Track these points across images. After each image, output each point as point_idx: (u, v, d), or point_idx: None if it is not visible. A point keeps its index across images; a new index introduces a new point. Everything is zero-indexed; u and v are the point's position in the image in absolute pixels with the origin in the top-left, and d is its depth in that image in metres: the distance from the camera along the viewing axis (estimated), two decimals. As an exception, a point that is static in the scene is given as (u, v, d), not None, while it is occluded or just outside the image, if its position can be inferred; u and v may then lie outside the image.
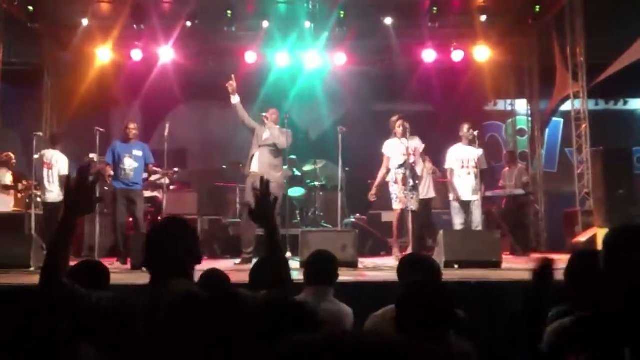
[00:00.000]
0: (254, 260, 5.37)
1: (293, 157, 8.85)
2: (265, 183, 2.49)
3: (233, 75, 7.59)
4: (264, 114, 7.72)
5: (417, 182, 7.76)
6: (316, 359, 0.98)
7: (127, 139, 8.03)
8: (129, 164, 7.87)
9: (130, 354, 2.03)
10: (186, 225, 2.40)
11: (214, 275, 3.27)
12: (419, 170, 7.91)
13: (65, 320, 2.44)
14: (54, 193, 8.27)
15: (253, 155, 7.63)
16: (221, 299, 2.24)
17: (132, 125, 8.08)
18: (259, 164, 7.57)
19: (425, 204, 8.53)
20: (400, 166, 7.68)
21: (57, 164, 8.38)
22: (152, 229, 2.59)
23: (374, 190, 7.89)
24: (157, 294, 2.16)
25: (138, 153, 7.96)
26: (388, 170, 7.82)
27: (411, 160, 7.64)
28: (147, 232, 2.53)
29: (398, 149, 7.73)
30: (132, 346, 2.03)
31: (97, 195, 2.49)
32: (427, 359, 1.94)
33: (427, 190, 8.72)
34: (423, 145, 7.90)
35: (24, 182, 9.33)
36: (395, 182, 7.73)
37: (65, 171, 8.34)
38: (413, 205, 7.60)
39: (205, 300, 2.17)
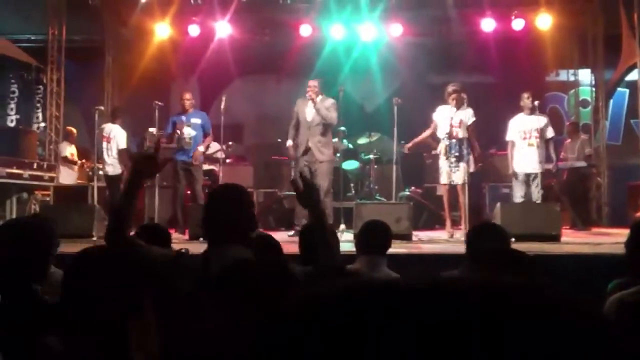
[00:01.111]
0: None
1: (342, 128, 8.71)
2: (308, 175, 2.67)
3: None
4: (307, 95, 7.44)
5: (463, 154, 7.32)
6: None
7: (183, 110, 8.17)
8: (188, 132, 8.01)
9: (180, 313, 2.09)
10: (242, 192, 2.43)
11: (266, 240, 3.29)
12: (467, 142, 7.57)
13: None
14: (113, 166, 8.49)
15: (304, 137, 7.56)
16: (272, 265, 2.27)
17: (187, 96, 8.22)
18: (311, 145, 7.52)
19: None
20: (445, 136, 7.38)
21: (115, 137, 8.56)
22: (209, 195, 2.66)
23: (409, 144, 7.83)
24: (212, 258, 2.21)
25: (197, 121, 8.10)
26: (431, 134, 7.60)
27: (454, 132, 7.28)
28: (204, 201, 2.63)
29: (446, 117, 7.39)
30: (183, 306, 2.08)
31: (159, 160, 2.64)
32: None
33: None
34: (473, 119, 7.42)
35: (83, 160, 9.74)
36: (440, 154, 7.51)
37: (123, 145, 8.51)
38: (458, 179, 7.29)
39: (256, 267, 2.20)
